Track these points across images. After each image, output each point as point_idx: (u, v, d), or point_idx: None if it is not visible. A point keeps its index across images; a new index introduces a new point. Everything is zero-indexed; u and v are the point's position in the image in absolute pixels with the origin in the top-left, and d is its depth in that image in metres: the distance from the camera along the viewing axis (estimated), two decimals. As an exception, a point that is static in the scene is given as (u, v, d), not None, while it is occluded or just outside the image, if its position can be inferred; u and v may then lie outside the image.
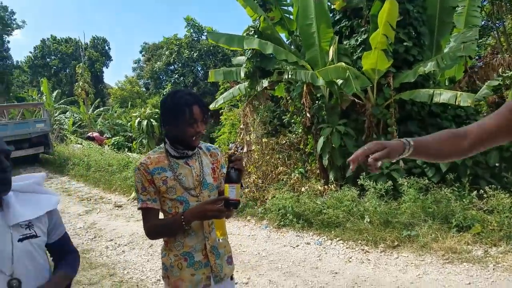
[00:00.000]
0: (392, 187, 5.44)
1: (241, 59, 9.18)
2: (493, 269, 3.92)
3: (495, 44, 12.19)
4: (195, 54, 18.15)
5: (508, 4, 11.12)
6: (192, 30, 18.64)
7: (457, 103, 5.50)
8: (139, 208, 1.72)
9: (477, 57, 13.56)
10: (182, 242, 1.72)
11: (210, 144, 1.97)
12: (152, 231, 1.71)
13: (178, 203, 1.70)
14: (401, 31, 6.63)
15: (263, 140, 8.18)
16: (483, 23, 12.87)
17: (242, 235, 5.73)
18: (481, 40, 14.46)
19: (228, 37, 8.06)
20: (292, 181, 7.14)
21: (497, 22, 12.81)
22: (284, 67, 7.82)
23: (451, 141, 1.17)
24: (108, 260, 5.07)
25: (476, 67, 7.67)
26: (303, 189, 6.74)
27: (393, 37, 5.99)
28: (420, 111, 6.82)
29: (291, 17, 8.57)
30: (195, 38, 18.02)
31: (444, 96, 5.68)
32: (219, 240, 1.78)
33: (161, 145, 1.81)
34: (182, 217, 1.62)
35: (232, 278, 1.89)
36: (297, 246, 5.09)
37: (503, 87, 8.48)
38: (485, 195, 4.83)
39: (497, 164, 6.09)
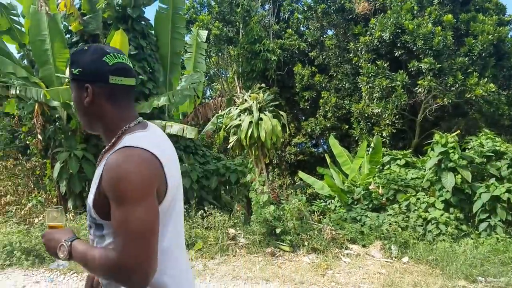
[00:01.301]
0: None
1: None
2: (209, 280, 4.48)
3: (221, 89, 15.16)
4: None
5: (228, 58, 14.18)
6: None
7: (184, 135, 6.46)
8: None
9: (210, 98, 16.31)
10: None
11: None
12: None
13: None
14: (136, 64, 7.19)
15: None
16: (215, 70, 15.69)
17: None
18: (213, 84, 17.55)
19: None
20: (23, 212, 6.40)
21: (223, 71, 16.03)
22: (11, 81, 6.85)
23: None
24: None
25: (202, 105, 9.29)
26: (36, 220, 6.13)
27: (126, 68, 6.44)
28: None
29: (23, 29, 7.74)
30: None
31: (174, 128, 6.54)
32: None
33: None
34: None
35: None
36: (24, 287, 4.45)
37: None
38: (204, 214, 5.71)
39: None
